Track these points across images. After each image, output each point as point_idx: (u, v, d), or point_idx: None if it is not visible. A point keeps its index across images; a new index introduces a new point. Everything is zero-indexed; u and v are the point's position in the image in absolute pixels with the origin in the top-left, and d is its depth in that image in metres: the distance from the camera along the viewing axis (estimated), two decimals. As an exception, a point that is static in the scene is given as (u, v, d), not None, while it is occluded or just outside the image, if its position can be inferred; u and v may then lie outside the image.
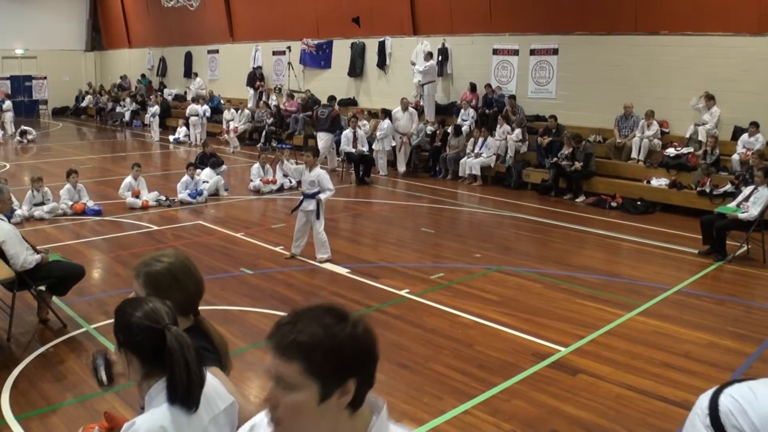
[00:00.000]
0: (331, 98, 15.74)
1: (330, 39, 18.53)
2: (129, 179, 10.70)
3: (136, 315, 1.89)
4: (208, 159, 12.48)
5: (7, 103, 20.98)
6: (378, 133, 14.25)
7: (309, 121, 17.40)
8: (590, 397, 4.64)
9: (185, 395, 1.85)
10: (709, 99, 11.42)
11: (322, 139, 14.58)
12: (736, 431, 2.08)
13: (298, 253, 7.96)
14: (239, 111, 19.12)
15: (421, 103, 15.70)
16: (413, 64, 15.62)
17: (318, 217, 7.67)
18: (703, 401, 2.21)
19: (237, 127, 18.27)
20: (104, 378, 2.19)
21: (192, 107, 19.11)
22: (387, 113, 14.72)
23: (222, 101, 20.36)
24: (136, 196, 10.63)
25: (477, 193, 12.64)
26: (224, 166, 12.77)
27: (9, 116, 20.56)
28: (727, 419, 2.05)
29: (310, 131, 17.08)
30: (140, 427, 1.82)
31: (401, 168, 14.60)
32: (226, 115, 18.46)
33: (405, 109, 14.53)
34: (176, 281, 2.23)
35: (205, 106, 19.18)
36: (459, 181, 13.58)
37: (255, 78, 20.28)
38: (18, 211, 9.41)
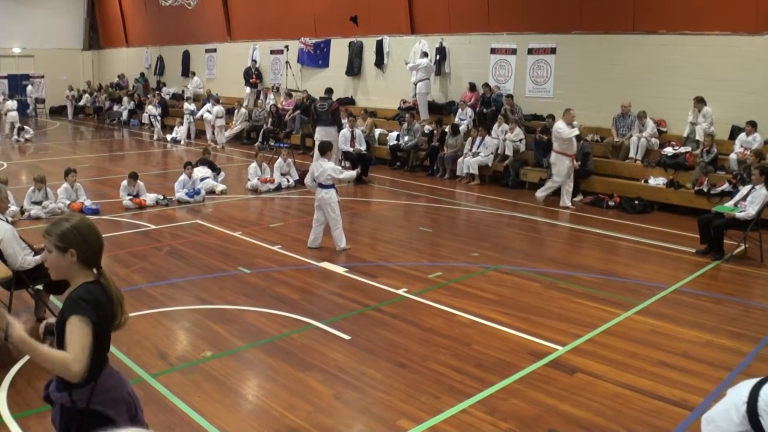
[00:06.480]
0: (329, 90, 14.44)
1: (328, 38, 18.53)
2: (125, 183, 10.61)
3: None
4: (204, 163, 12.34)
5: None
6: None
7: (306, 120, 17.39)
8: (588, 396, 4.64)
9: None
10: (699, 102, 11.42)
11: (323, 133, 13.08)
12: None
13: (342, 246, 8.27)
14: (236, 110, 19.12)
15: (418, 102, 15.71)
16: (407, 63, 15.56)
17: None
18: (743, 391, 2.22)
19: (216, 125, 18.53)
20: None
21: (187, 106, 19.29)
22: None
23: (219, 100, 20.36)
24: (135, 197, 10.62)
25: (475, 193, 12.64)
26: (222, 174, 12.65)
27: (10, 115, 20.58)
28: (763, 410, 2.08)
29: (308, 130, 17.07)
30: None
31: (566, 201, 11.21)
32: (217, 111, 18.45)
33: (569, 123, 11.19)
34: (82, 237, 2.61)
35: (192, 105, 19.62)
36: (457, 180, 13.59)
37: (251, 74, 20.26)
38: (13, 208, 9.36)
